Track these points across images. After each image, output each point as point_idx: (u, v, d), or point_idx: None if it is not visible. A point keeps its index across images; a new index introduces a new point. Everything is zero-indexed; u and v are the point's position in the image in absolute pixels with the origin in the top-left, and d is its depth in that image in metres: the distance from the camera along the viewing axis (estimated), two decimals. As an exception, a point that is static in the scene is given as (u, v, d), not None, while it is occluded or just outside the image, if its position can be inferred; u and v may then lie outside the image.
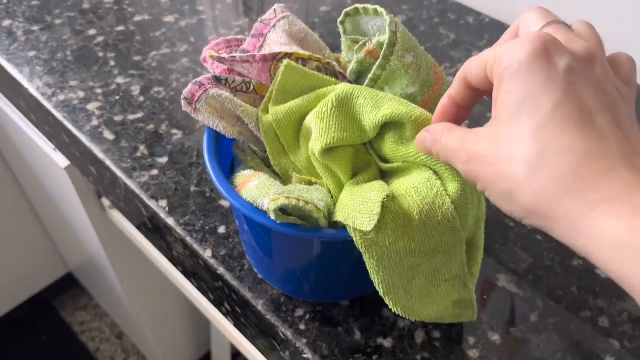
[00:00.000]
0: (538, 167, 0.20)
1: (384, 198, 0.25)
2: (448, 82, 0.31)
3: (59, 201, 0.74)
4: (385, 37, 0.29)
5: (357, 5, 0.31)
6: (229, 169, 0.34)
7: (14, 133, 0.69)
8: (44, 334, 1.16)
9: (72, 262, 1.11)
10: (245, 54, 0.31)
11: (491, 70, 0.22)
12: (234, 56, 0.31)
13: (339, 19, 0.32)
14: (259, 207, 0.27)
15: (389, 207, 0.25)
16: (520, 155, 0.20)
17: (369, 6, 0.30)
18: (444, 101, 0.26)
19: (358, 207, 0.26)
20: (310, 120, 0.29)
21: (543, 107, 0.20)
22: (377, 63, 0.29)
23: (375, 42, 0.30)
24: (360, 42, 0.31)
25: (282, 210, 0.26)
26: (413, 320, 0.32)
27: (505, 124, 0.21)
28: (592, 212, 0.18)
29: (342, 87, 0.29)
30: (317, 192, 0.28)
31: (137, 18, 0.55)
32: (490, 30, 0.55)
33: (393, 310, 0.28)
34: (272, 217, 0.26)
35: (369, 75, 0.30)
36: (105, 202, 0.63)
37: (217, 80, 0.31)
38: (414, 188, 0.26)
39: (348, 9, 0.32)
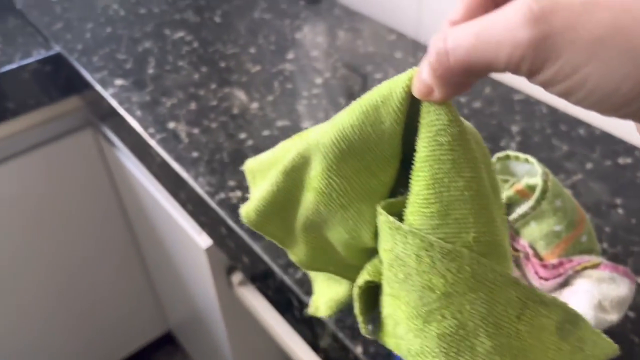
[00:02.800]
0: None
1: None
2: (589, 225, 0.35)
3: (184, 272, 0.83)
4: (534, 181, 0.35)
5: (509, 152, 0.37)
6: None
7: (155, 210, 0.79)
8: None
9: (174, 321, 1.19)
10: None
11: None
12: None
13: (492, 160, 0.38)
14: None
15: None
16: None
17: (521, 155, 0.36)
18: (448, 20, 0.21)
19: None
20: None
21: None
22: (529, 204, 0.35)
23: (525, 184, 0.36)
24: (510, 182, 0.37)
25: None
26: None
27: None
28: None
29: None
30: None
31: (279, 123, 0.64)
32: (602, 143, 0.59)
33: None
34: None
35: (519, 211, 0.35)
36: (234, 279, 0.70)
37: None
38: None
39: (500, 154, 0.37)
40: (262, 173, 0.28)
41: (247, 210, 0.27)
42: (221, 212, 0.53)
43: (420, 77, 0.20)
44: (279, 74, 0.72)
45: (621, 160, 0.57)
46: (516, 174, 0.38)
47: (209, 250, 0.66)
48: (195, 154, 0.60)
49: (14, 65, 0.75)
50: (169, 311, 1.17)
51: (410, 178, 0.21)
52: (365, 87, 0.69)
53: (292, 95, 0.68)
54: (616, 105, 0.16)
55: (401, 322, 0.22)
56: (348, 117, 0.22)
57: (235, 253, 0.56)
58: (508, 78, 0.69)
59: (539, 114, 0.64)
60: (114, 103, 0.67)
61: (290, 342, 0.61)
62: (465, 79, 0.19)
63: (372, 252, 0.25)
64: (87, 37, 0.80)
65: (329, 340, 0.45)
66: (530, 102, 0.66)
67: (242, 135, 0.62)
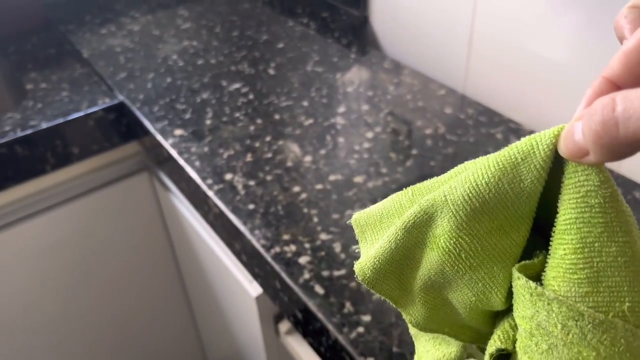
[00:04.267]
0: None
1: None
2: None
3: (231, 318, 0.84)
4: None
5: None
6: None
7: (206, 256, 0.81)
8: None
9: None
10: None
11: None
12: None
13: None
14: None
15: None
16: None
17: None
18: (595, 84, 0.20)
19: None
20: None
21: None
22: None
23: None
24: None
25: None
26: None
27: None
28: None
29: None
30: None
31: (332, 177, 0.65)
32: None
33: None
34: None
35: None
36: (282, 327, 0.71)
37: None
38: None
39: None
40: (373, 227, 0.26)
41: (362, 267, 0.26)
42: (276, 267, 0.55)
43: (573, 138, 0.19)
44: (331, 128, 0.74)
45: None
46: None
47: (258, 299, 0.67)
48: (251, 206, 0.62)
49: (81, 113, 0.80)
50: (210, 354, 1.19)
51: (548, 239, 0.21)
52: (413, 141, 0.70)
53: (343, 148, 0.70)
54: None
55: None
56: (483, 173, 0.21)
57: (289, 307, 0.57)
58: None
59: (593, 174, 0.64)
60: (174, 153, 0.71)
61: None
62: (628, 150, 0.17)
63: (497, 315, 0.24)
64: (149, 87, 0.84)
65: (383, 403, 0.45)
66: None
67: (296, 189, 0.64)
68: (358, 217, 0.27)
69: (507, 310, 0.23)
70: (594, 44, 0.62)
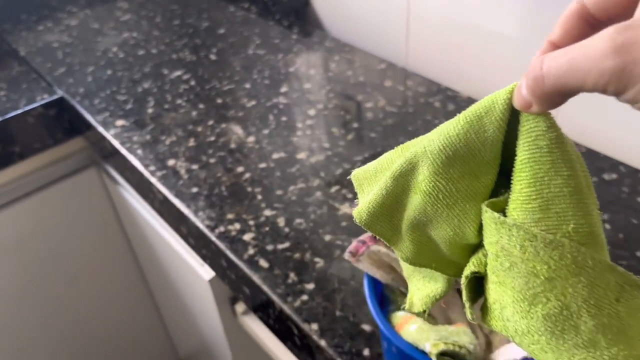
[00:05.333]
0: None
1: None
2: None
3: (189, 303, 0.84)
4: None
5: None
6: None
7: (159, 244, 0.81)
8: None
9: (183, 352, 1.20)
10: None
11: None
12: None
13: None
14: (419, 349, 0.34)
15: None
16: None
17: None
18: (541, 51, 0.24)
19: None
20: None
21: None
22: None
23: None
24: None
25: (441, 353, 0.33)
26: None
27: None
28: None
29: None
30: (465, 335, 0.34)
31: (275, 156, 0.66)
32: (587, 159, 0.61)
33: None
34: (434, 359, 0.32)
35: None
36: (238, 308, 0.71)
37: (375, 238, 0.39)
38: None
39: None
40: (369, 180, 0.30)
41: (359, 211, 0.29)
42: (221, 245, 0.55)
43: (520, 92, 0.23)
44: (274, 107, 0.74)
45: (606, 176, 0.59)
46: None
47: (212, 282, 0.68)
48: (194, 190, 0.62)
49: (19, 111, 0.78)
50: (178, 342, 1.18)
51: (510, 180, 0.24)
52: (354, 115, 0.72)
53: (287, 127, 0.71)
54: None
55: (507, 305, 0.24)
56: (453, 126, 0.25)
57: (236, 284, 0.58)
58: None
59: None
60: (115, 143, 0.70)
61: (294, 369, 0.62)
62: (559, 99, 0.22)
63: (473, 249, 0.27)
64: (89, 80, 0.83)
65: (329, 366, 0.47)
66: (516, 124, 0.68)
67: (240, 169, 0.64)
68: (356, 173, 0.31)
69: (482, 245, 0.27)
70: (530, 16, 0.64)
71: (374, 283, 0.39)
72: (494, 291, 0.25)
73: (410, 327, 0.35)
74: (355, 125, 0.70)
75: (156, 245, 0.84)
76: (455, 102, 0.72)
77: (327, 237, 0.55)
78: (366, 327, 0.47)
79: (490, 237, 0.24)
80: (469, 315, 0.26)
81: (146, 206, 0.79)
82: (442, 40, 0.76)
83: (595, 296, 0.22)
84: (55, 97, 0.81)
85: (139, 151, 0.68)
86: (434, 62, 0.79)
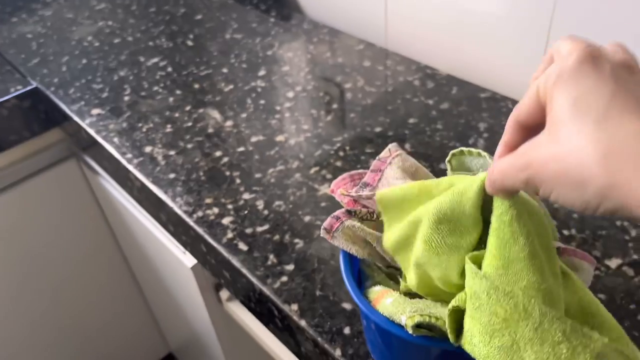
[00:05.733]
0: (609, 153, 0.21)
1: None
2: (545, 211, 0.37)
3: (175, 292, 0.84)
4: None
5: (463, 148, 0.38)
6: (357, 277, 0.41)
7: (141, 233, 0.80)
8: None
9: (174, 344, 1.19)
10: (369, 193, 0.39)
11: (544, 92, 0.25)
12: (360, 195, 0.39)
13: (447, 158, 0.39)
14: (396, 322, 0.33)
15: None
16: (589, 143, 0.22)
17: (473, 150, 0.38)
18: (499, 150, 0.29)
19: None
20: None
21: (599, 100, 0.22)
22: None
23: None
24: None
25: (417, 325, 0.32)
26: None
27: (564, 123, 0.23)
28: None
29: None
30: (442, 307, 0.34)
31: (253, 139, 0.65)
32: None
33: None
34: (411, 332, 0.32)
35: None
36: (223, 295, 0.71)
37: (349, 213, 0.38)
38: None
39: (455, 150, 0.39)
40: (395, 205, 0.36)
41: (388, 238, 0.36)
42: (199, 230, 0.55)
43: (488, 183, 0.29)
44: (252, 91, 0.73)
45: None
46: (471, 169, 0.39)
47: (194, 269, 0.67)
48: (172, 175, 0.61)
49: (-8, 103, 0.77)
50: (168, 333, 1.18)
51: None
52: (333, 96, 0.71)
53: (265, 110, 0.70)
54: (580, 209, 0.24)
55: (476, 335, 0.30)
56: (445, 198, 0.32)
57: (217, 269, 0.57)
58: (475, 76, 0.71)
59: (505, 109, 0.66)
60: (91, 132, 0.69)
61: (279, 351, 0.62)
62: (511, 192, 0.28)
63: (459, 288, 0.33)
64: (63, 70, 0.82)
65: (310, 346, 0.46)
66: (496, 99, 0.67)
67: (218, 154, 0.63)
68: (382, 195, 0.37)
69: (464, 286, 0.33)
70: (494, -19, 0.63)
71: (351, 260, 0.39)
72: (468, 322, 0.31)
73: (386, 301, 0.35)
74: (334, 106, 0.69)
75: (139, 235, 0.83)
76: (435, 79, 0.71)
77: (307, 218, 0.54)
78: (346, 306, 0.46)
79: (468, 282, 0.31)
80: (451, 339, 0.31)
81: (126, 196, 0.78)
82: (420, 18, 0.75)
83: (539, 337, 0.28)
84: (29, 87, 0.79)
85: (116, 139, 0.67)
86: (412, 40, 0.78)
